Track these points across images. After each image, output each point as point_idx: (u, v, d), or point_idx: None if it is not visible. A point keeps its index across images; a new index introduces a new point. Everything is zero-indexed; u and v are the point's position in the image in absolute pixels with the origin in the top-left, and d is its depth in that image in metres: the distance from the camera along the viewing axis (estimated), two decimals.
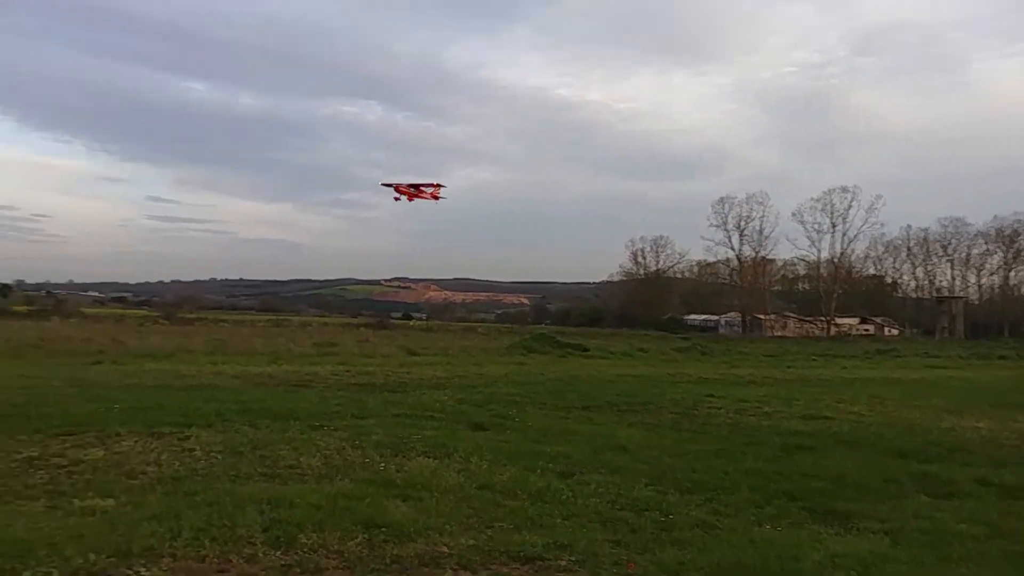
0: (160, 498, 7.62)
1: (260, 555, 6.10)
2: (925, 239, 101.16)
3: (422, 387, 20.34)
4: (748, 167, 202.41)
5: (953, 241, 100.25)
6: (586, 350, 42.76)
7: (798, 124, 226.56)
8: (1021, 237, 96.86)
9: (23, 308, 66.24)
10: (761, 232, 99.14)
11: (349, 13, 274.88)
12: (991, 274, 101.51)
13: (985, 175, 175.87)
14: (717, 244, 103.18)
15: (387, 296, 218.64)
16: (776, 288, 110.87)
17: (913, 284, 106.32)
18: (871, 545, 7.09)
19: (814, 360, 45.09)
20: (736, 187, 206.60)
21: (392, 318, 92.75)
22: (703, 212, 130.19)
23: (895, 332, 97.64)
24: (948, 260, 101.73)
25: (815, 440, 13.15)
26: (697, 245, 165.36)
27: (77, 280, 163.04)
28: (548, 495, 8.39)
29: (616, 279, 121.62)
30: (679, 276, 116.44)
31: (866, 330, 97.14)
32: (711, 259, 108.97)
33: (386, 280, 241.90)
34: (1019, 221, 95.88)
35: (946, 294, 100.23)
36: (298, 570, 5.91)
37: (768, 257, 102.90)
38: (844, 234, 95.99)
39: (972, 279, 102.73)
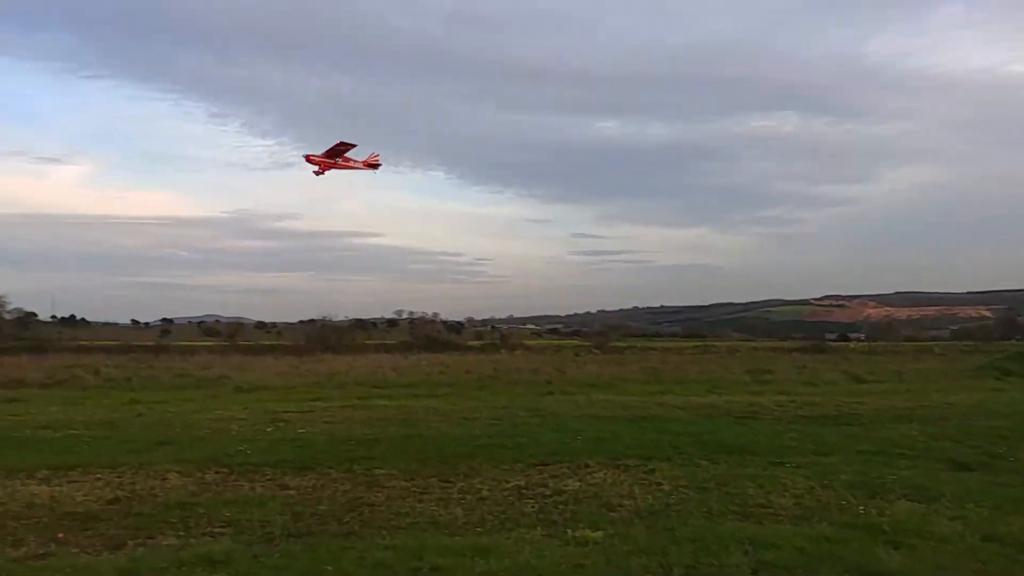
0: (643, 532, 8.17)
1: None
2: None
3: (880, 419, 18.95)
4: None
5: None
6: None
7: None
8: None
9: (475, 343, 76.27)
10: None
11: (754, 27, 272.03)
12: None
13: None
14: None
15: (818, 316, 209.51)
16: None
17: None
18: None
19: None
20: None
21: (827, 340, 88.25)
22: None
23: None
24: None
25: None
26: None
27: (516, 315, 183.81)
28: None
29: None
30: None
31: None
32: None
33: (816, 299, 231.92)
34: None
35: None
36: None
37: None
38: None
39: None
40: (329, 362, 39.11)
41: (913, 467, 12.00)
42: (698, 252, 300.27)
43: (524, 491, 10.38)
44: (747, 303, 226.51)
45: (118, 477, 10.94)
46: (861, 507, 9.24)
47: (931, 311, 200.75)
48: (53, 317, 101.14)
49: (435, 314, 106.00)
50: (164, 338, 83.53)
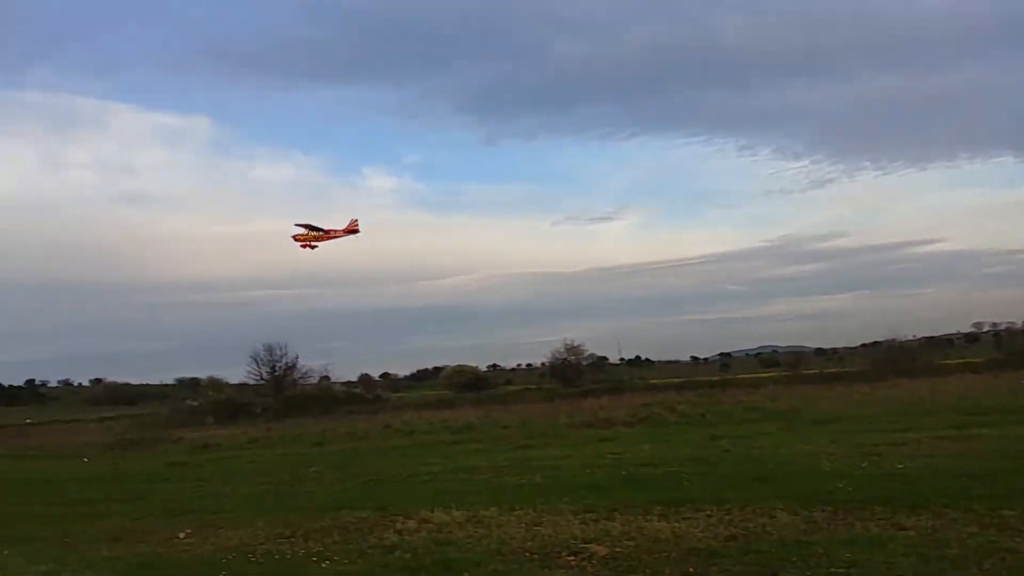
0: None
1: None
2: None
3: None
4: None
5: None
6: None
7: None
8: None
9: None
10: None
11: None
12: None
13: None
14: None
15: None
16: None
17: None
18: None
19: None
20: None
21: None
22: None
23: None
24: None
25: None
26: None
27: None
28: None
29: None
30: None
31: None
32: None
33: None
34: None
35: None
36: None
37: None
38: None
39: None
40: (905, 387, 36.79)
41: None
42: None
43: None
44: None
45: (727, 514, 11.57)
46: None
47: None
48: (621, 359, 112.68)
49: None
50: (724, 372, 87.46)
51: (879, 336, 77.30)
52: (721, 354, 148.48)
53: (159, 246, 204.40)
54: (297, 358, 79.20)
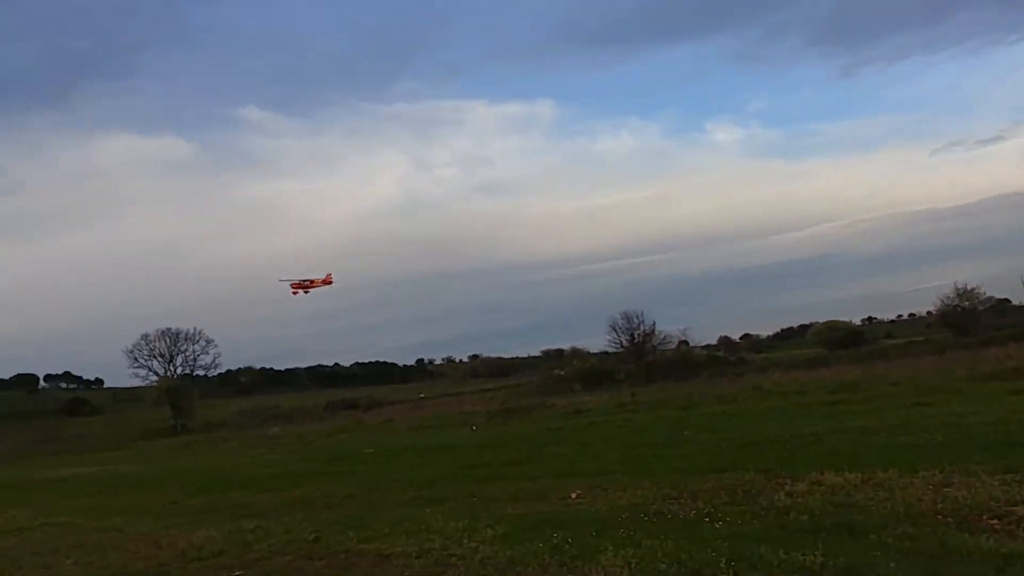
0: None
1: None
2: None
3: None
4: None
5: None
6: None
7: None
8: None
9: None
10: None
11: None
12: None
13: None
14: None
15: None
16: None
17: None
18: None
19: None
20: None
21: None
22: None
23: None
24: None
25: None
26: None
27: None
28: None
29: None
30: None
31: None
32: None
33: None
34: None
35: None
36: None
37: None
38: None
39: None
40: None
41: None
42: None
43: None
44: None
45: None
46: None
47: None
48: None
49: None
50: None
51: None
52: None
53: (517, 230, 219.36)
54: (654, 324, 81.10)
